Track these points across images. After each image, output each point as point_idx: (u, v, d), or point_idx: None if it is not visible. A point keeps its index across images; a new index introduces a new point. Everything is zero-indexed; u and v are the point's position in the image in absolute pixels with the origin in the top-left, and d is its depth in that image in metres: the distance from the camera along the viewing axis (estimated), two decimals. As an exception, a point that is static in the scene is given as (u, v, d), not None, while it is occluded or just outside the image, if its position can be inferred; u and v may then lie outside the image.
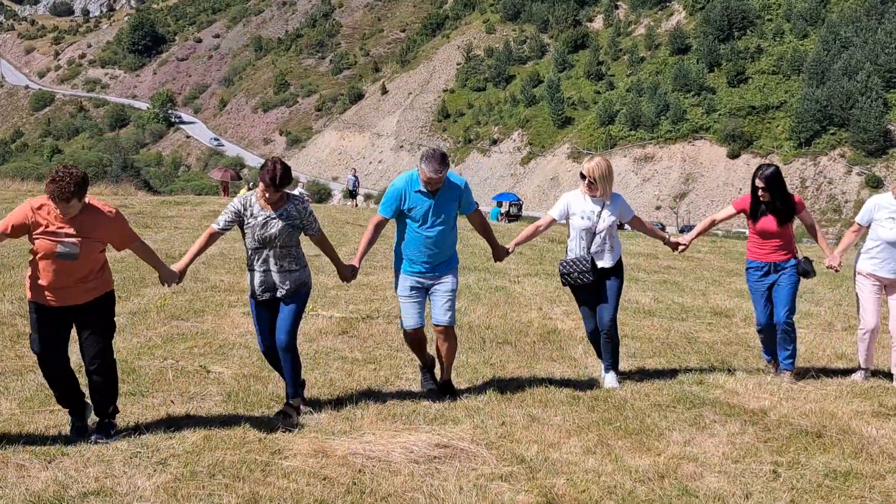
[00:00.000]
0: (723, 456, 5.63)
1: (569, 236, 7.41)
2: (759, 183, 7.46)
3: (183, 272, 6.30)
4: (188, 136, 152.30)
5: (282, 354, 6.33)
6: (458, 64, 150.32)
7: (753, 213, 7.57)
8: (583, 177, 7.20)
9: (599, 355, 7.49)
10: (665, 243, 7.88)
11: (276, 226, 6.22)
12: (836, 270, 7.91)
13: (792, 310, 7.52)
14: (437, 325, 6.81)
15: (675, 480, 5.23)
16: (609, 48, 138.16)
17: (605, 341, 7.33)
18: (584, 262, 7.16)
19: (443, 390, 6.96)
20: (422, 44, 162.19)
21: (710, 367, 8.00)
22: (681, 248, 7.94)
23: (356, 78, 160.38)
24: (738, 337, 9.51)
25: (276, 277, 6.31)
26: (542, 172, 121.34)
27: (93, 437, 5.70)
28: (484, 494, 4.98)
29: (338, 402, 6.61)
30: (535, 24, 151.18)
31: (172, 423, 5.99)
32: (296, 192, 35.97)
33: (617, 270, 7.34)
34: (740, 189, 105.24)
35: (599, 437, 5.96)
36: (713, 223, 8.03)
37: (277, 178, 6.12)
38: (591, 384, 7.33)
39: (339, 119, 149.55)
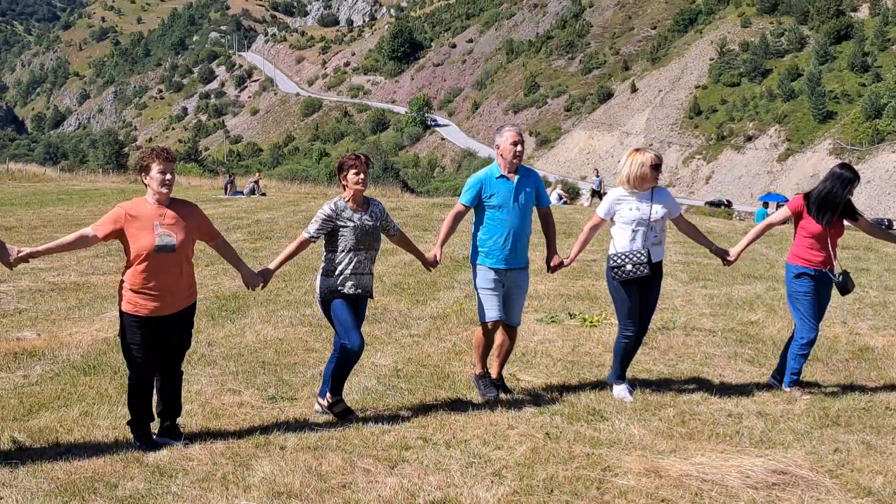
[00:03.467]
0: None
1: (613, 231, 6.96)
2: (850, 174, 7.02)
3: (268, 275, 6.36)
4: (443, 139, 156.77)
5: (349, 359, 6.41)
6: (711, 59, 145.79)
7: (822, 212, 7.00)
8: (655, 167, 6.76)
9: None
10: (711, 251, 7.24)
11: (372, 227, 6.40)
12: None
13: None
14: (510, 325, 6.96)
15: None
16: (876, 38, 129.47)
17: (624, 346, 7.04)
18: (641, 254, 6.76)
19: (496, 386, 7.08)
20: (673, 40, 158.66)
21: None
22: (727, 262, 7.29)
23: (605, 77, 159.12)
24: None
25: (365, 280, 6.45)
26: (802, 170, 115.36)
27: (170, 442, 5.83)
28: (837, 528, 4.74)
29: (654, 418, 6.51)
30: (793, 15, 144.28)
31: (496, 433, 6.12)
32: (553, 195, 36.21)
33: (660, 270, 7.00)
34: None
35: (951, 471, 5.53)
36: (769, 227, 7.43)
37: (364, 158, 6.37)
38: (925, 410, 6.83)
39: (587, 118, 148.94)
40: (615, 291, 6.99)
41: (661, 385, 7.45)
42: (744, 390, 7.30)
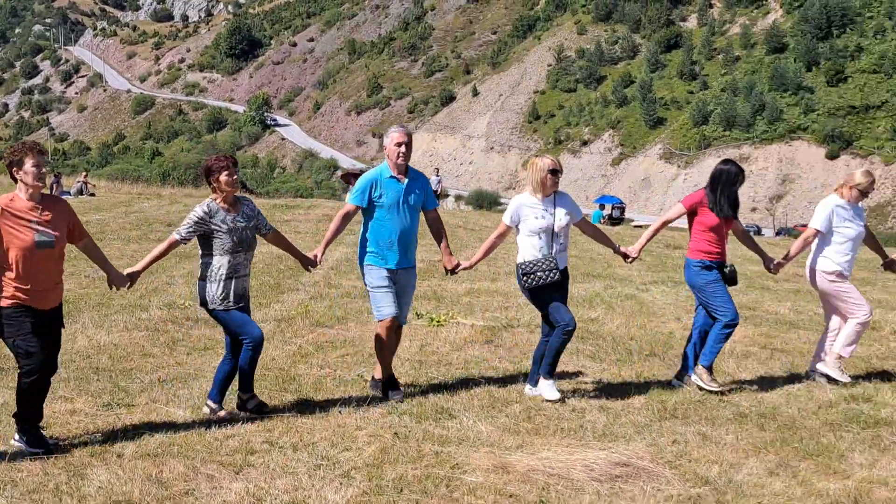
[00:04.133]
0: (916, 481, 5.41)
1: (519, 240, 7.06)
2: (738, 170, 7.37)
3: (135, 277, 6.26)
4: (283, 139, 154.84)
5: (258, 352, 6.42)
6: (549, 65, 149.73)
7: (715, 207, 7.31)
8: (553, 172, 6.92)
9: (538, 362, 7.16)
10: (615, 251, 7.47)
11: (246, 228, 6.34)
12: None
13: None
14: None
15: (874, 507, 5.05)
16: (703, 48, 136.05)
17: (563, 341, 6.95)
18: (550, 261, 6.87)
19: (388, 386, 7.01)
20: (513, 45, 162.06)
21: (872, 384, 7.71)
22: (630, 259, 7.55)
23: (448, 80, 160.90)
24: (891, 351, 9.18)
25: (245, 283, 6.39)
26: (634, 173, 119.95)
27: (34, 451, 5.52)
28: (678, 517, 4.88)
29: (501, 415, 6.56)
30: (627, 24, 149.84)
31: (345, 435, 6.03)
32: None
33: (566, 273, 7.12)
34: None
35: (779, 458, 5.79)
36: (665, 224, 7.68)
37: (232, 158, 6.34)
38: (753, 399, 7.14)
39: (430, 121, 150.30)
40: (530, 298, 7.08)
41: (507, 382, 7.52)
42: (586, 385, 7.47)
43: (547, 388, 6.96)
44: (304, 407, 6.68)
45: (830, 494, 5.19)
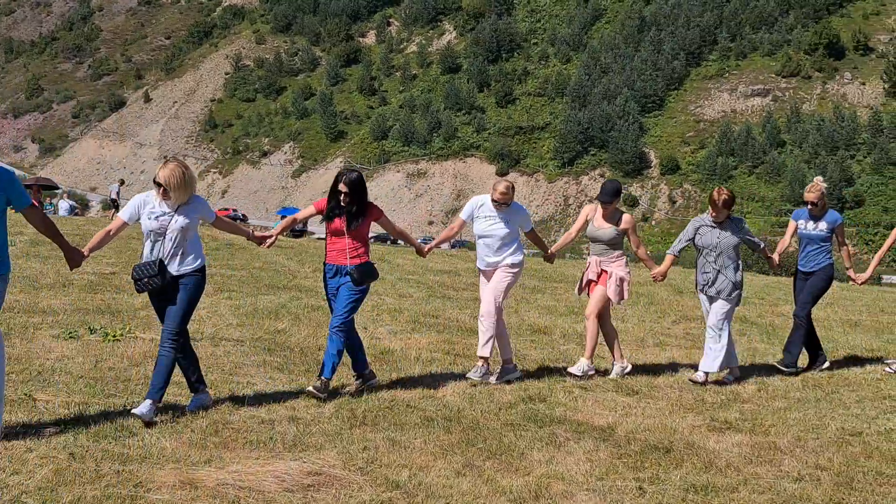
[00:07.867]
0: (586, 474, 5.81)
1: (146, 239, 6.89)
2: (342, 188, 7.49)
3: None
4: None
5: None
6: (227, 74, 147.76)
7: (329, 214, 7.64)
8: (158, 185, 6.69)
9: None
10: (248, 238, 7.67)
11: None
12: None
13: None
14: None
15: (550, 500, 5.35)
16: (382, 64, 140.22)
17: (180, 358, 6.87)
18: (153, 267, 6.66)
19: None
20: (188, 52, 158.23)
21: (546, 384, 8.24)
22: (268, 242, 7.65)
23: (117, 85, 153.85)
24: (562, 354, 9.86)
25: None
26: (315, 186, 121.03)
27: None
28: (371, 522, 4.92)
29: (187, 430, 6.31)
30: (306, 36, 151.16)
31: (13, 457, 5.52)
32: (62, 204, 34.43)
33: (188, 277, 6.83)
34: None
35: (465, 458, 6.01)
36: (295, 221, 8.04)
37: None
38: (439, 404, 7.38)
39: (97, 127, 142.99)
40: None
41: (191, 395, 7.24)
42: (275, 397, 7.35)
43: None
44: (-37, 432, 6.04)
45: (513, 491, 5.45)
